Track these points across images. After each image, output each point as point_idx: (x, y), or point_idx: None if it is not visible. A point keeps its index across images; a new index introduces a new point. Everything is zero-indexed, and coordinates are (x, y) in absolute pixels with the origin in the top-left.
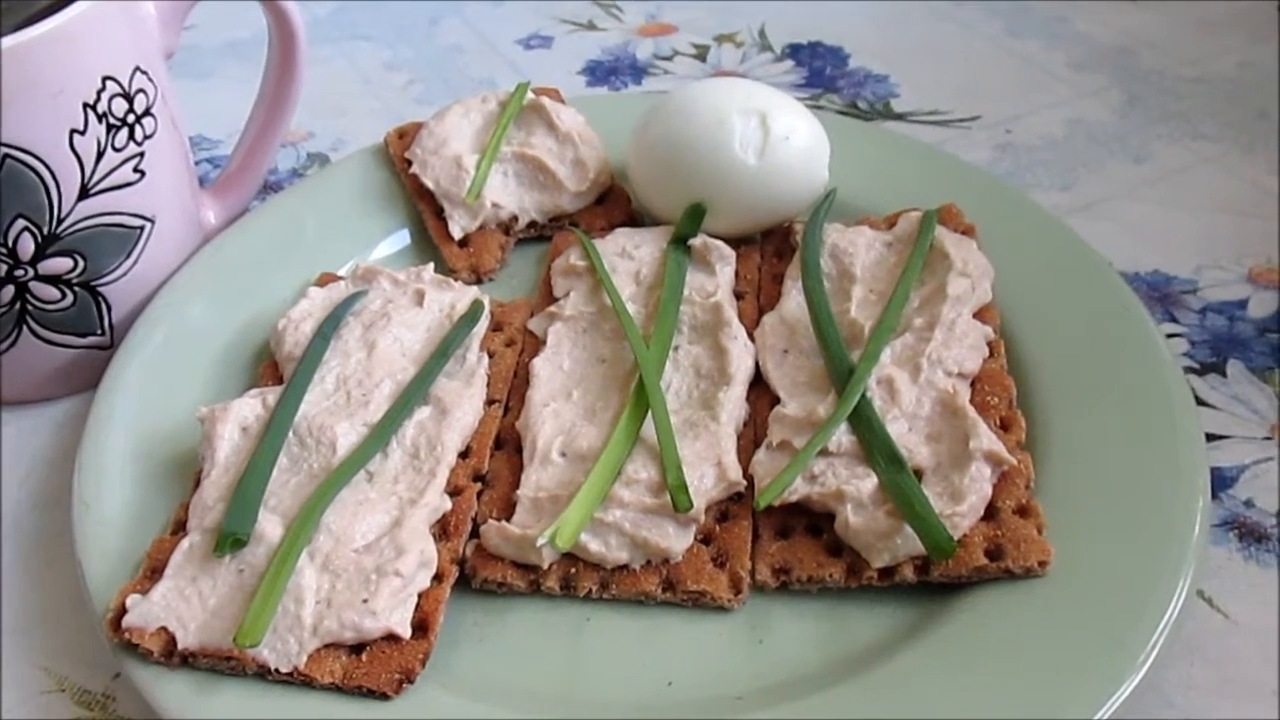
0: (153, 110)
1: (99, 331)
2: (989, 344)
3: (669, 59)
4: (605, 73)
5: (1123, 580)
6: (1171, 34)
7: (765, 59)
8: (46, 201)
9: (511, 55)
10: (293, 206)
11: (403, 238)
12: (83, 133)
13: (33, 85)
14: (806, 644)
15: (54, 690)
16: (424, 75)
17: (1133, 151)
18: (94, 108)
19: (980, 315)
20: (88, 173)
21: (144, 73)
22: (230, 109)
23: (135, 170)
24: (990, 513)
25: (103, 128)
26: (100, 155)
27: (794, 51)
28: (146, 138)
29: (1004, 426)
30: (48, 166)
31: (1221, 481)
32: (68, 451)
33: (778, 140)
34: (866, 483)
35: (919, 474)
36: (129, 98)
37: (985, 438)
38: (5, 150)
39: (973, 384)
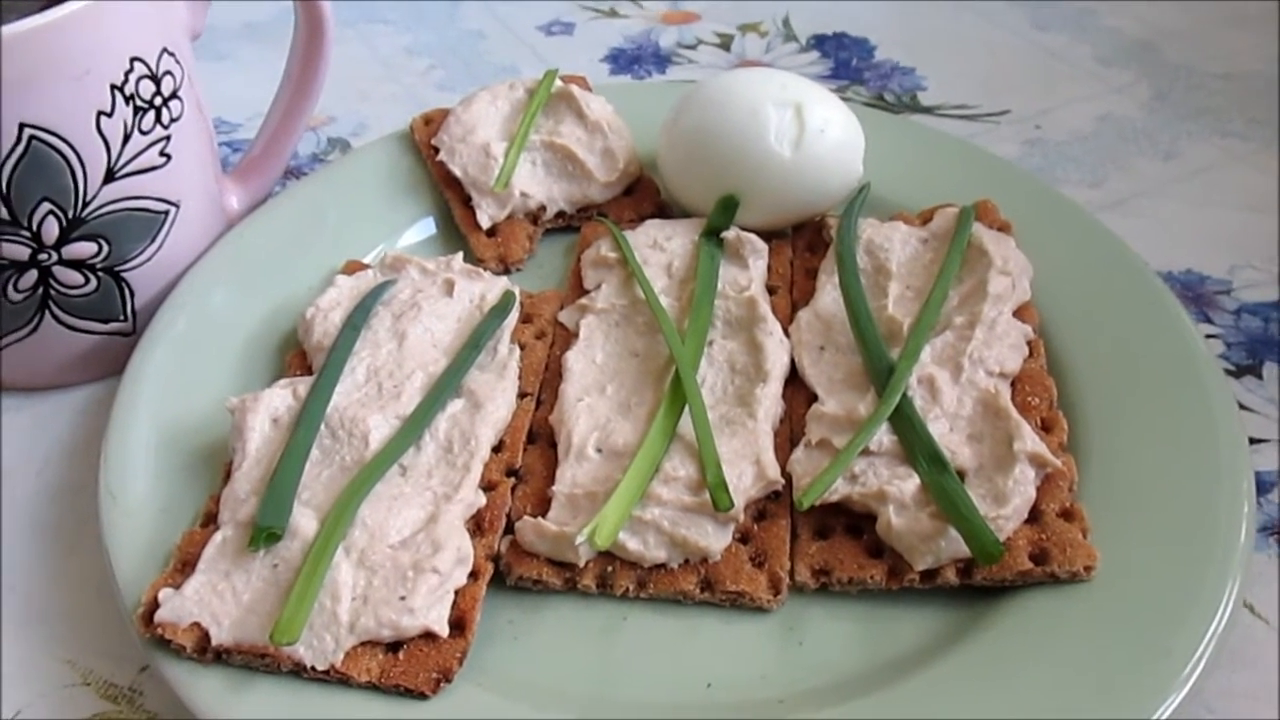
0: (180, 93)
1: (121, 318)
2: (1029, 343)
3: (693, 48)
4: (628, 61)
5: (1168, 587)
6: (1197, 28)
7: (790, 49)
8: (72, 184)
9: (533, 41)
10: (317, 193)
11: (428, 226)
12: (110, 115)
13: (60, 66)
14: (847, 647)
15: (79, 684)
16: (445, 60)
17: (1162, 148)
18: (121, 89)
19: (1019, 314)
20: (114, 156)
21: (171, 54)
22: (249, 92)
23: (161, 154)
24: (1033, 516)
25: (130, 110)
26: (127, 138)
27: (819, 42)
28: (173, 120)
29: (1045, 428)
30: (74, 149)
31: (1260, 486)
32: (88, 438)
33: (813, 132)
34: (908, 483)
35: (961, 475)
36: (156, 80)
37: (1029, 439)
38: (31, 132)
39: (1013, 384)
